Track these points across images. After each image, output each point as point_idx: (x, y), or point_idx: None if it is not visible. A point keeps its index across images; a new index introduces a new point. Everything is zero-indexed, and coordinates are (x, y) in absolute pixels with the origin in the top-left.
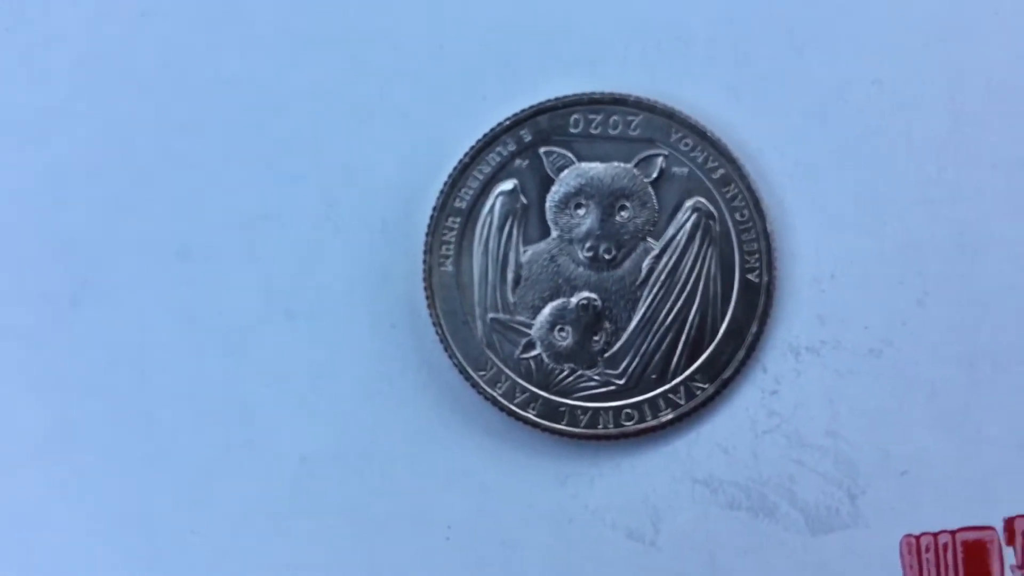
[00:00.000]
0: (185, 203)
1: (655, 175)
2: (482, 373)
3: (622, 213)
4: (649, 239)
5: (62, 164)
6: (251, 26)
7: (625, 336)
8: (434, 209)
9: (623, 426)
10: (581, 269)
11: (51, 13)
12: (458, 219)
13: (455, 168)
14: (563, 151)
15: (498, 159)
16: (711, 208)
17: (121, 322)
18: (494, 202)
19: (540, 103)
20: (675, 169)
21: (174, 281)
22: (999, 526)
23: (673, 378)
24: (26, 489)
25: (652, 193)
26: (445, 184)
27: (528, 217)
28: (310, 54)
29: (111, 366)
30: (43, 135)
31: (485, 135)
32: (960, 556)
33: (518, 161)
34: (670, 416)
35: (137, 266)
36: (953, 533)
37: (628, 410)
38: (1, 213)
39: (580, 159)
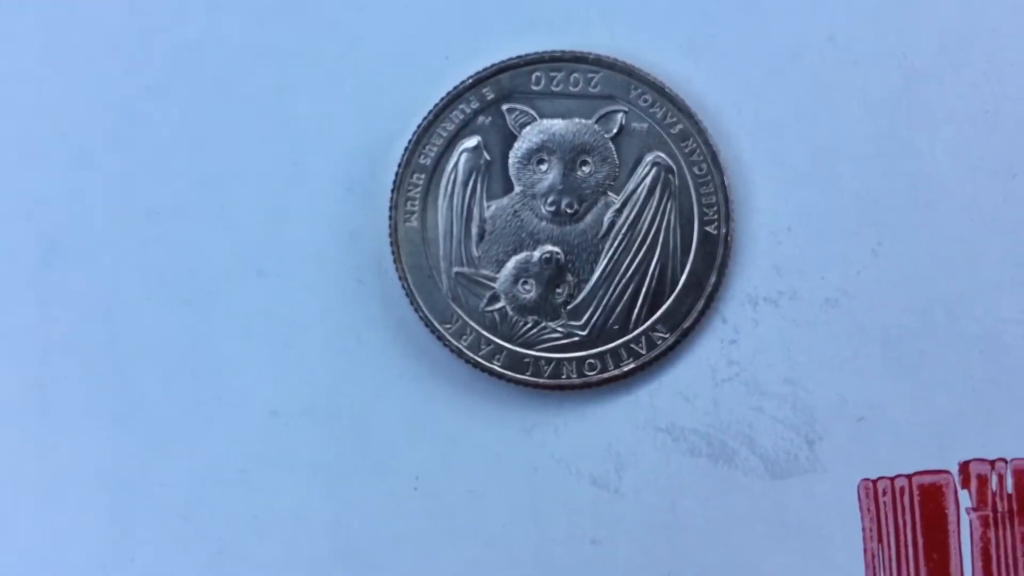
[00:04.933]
0: (153, 164)
1: (615, 131)
2: (448, 326)
3: (583, 168)
4: (610, 193)
5: (30, 126)
6: None
7: (587, 288)
8: (399, 166)
9: (586, 376)
10: (544, 223)
11: None
12: (423, 176)
13: (419, 126)
14: (525, 108)
15: (461, 116)
16: (670, 163)
17: (91, 282)
18: (458, 158)
19: (502, 61)
20: (635, 125)
21: (143, 241)
22: (954, 470)
23: (634, 329)
24: None
25: (612, 148)
26: (410, 141)
27: (491, 173)
28: (275, 15)
29: (82, 325)
30: (10, 98)
31: (448, 93)
32: (916, 499)
33: (481, 118)
34: (632, 366)
35: (106, 227)
36: (909, 477)
37: (591, 360)
38: None
39: (542, 116)
